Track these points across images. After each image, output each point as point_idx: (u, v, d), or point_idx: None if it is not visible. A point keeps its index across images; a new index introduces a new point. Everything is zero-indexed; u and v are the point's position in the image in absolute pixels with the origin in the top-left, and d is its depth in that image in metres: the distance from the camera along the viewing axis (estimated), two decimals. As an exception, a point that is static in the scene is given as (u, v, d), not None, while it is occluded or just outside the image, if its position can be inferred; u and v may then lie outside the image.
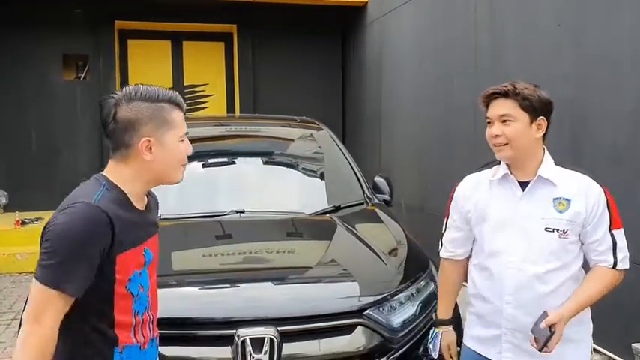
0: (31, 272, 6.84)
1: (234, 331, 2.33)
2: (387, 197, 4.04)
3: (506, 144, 2.02)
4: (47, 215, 8.27)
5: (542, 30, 5.07)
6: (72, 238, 1.57)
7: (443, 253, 2.32)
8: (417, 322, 2.64)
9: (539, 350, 1.97)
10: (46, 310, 1.56)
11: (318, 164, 4.37)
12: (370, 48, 9.20)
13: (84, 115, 9.46)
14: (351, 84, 10.16)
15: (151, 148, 1.70)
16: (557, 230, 1.99)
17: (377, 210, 3.73)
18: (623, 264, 2.04)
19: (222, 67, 10.35)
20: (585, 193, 2.01)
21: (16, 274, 7.16)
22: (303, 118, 4.86)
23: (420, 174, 7.38)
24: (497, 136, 2.04)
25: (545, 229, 2.00)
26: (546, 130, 2.09)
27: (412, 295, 2.70)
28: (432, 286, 2.82)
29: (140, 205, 1.78)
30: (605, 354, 4.36)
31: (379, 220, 3.56)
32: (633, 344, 3.71)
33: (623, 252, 2.04)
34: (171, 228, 3.37)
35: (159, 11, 9.27)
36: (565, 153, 4.67)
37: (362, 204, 3.79)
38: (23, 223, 7.97)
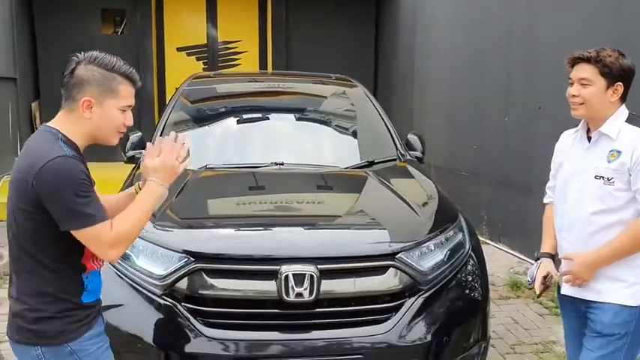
0: None
1: (278, 267, 2.56)
2: (419, 154, 4.18)
3: (582, 104, 2.29)
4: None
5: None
6: (73, 183, 1.83)
7: (545, 199, 2.64)
8: (444, 267, 2.81)
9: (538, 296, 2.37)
10: (106, 236, 1.87)
11: (352, 120, 4.53)
12: (404, 7, 9.19)
13: (121, 69, 9.74)
14: (384, 43, 10.18)
15: (91, 108, 1.92)
16: (603, 177, 2.25)
17: (409, 166, 3.89)
18: None
19: (255, 24, 10.44)
20: (635, 145, 2.22)
21: None
22: (338, 75, 4.98)
23: (450, 134, 7.48)
24: (574, 96, 2.31)
25: (595, 176, 2.27)
26: (625, 93, 2.30)
27: (441, 243, 2.87)
28: (460, 236, 3.02)
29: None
30: None
31: (411, 176, 3.72)
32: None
33: None
34: (217, 177, 3.62)
35: (195, -34, 9.44)
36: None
37: (395, 160, 3.94)
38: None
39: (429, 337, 2.67)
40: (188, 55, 10.26)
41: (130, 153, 4.05)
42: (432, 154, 7.25)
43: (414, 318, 2.67)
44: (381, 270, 2.69)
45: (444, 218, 3.07)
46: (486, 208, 6.25)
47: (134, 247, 2.79)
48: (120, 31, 9.88)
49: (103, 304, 2.71)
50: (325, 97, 4.65)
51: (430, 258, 2.81)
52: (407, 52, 9.03)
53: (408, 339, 2.64)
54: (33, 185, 1.83)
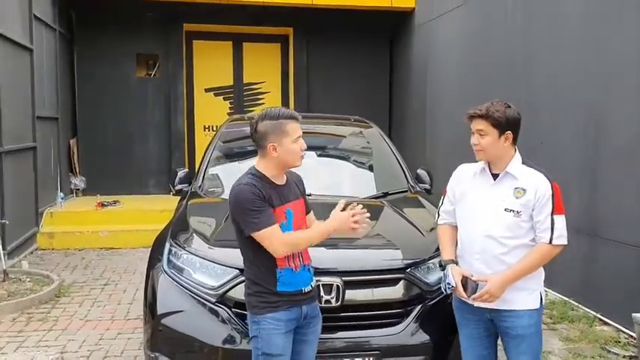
0: (112, 248, 7.89)
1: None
2: (427, 186, 4.80)
3: (482, 150, 2.81)
4: (122, 199, 9.34)
5: (569, 35, 5.71)
6: (244, 201, 2.62)
7: (440, 221, 3.08)
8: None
9: (468, 297, 2.78)
10: (276, 238, 2.58)
11: (369, 157, 5.14)
12: (417, 50, 9.85)
13: (154, 109, 10.43)
14: (398, 83, 10.82)
15: (275, 149, 2.65)
16: (513, 211, 2.74)
17: (418, 197, 4.47)
18: (559, 241, 2.71)
19: (278, 66, 11.16)
20: (537, 186, 2.72)
21: (98, 249, 8.09)
22: (356, 117, 5.62)
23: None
24: (475, 144, 2.80)
25: (505, 209, 2.75)
26: (515, 137, 2.81)
27: (444, 260, 3.46)
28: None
29: (280, 181, 2.75)
30: (612, 324, 5.02)
31: (420, 205, 4.30)
32: (633, 314, 4.37)
33: (559, 232, 2.71)
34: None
35: (222, 15, 10.14)
36: (585, 146, 5.33)
37: (406, 191, 4.54)
38: (103, 205, 8.96)
39: (433, 338, 3.21)
40: (215, 95, 10.96)
41: (178, 187, 4.69)
42: (444, 186, 7.81)
43: (421, 322, 3.22)
44: (394, 282, 3.25)
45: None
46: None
47: (191, 263, 3.39)
48: (153, 73, 10.58)
49: (165, 311, 3.34)
50: (346, 137, 5.27)
51: (434, 273, 3.36)
52: (419, 92, 9.65)
53: (417, 338, 3.19)
54: (229, 204, 2.69)
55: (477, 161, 2.95)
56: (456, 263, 2.91)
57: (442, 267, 2.96)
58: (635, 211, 4.77)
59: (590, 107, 5.39)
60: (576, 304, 5.40)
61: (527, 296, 2.80)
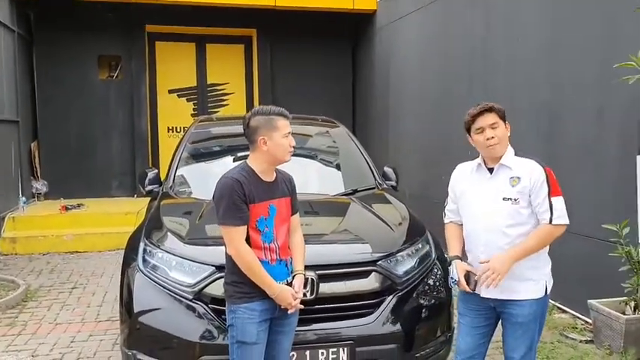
0: (77, 251, 7.81)
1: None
2: (393, 183, 4.96)
3: (498, 143, 2.91)
4: (86, 202, 9.25)
5: (526, 42, 5.96)
6: (223, 193, 2.73)
7: (446, 220, 3.21)
8: (415, 272, 3.51)
9: (471, 290, 2.93)
10: (233, 238, 2.72)
11: (337, 156, 5.26)
12: (379, 52, 10.03)
13: (117, 111, 10.34)
14: (361, 84, 11.00)
15: (265, 142, 2.77)
16: (511, 199, 2.88)
17: (385, 193, 4.61)
18: (559, 220, 2.85)
19: (242, 67, 11.21)
20: (530, 172, 2.88)
21: (64, 253, 8.00)
22: (323, 117, 5.75)
23: (422, 166, 8.26)
24: (492, 137, 2.89)
25: (503, 198, 2.90)
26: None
27: (412, 253, 3.59)
28: (427, 248, 3.73)
29: (268, 178, 2.86)
30: (569, 312, 5.27)
31: (387, 201, 4.43)
32: (589, 301, 4.61)
33: (558, 212, 2.84)
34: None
35: (184, 16, 10.16)
36: (542, 145, 5.58)
37: (373, 188, 4.68)
38: (67, 208, 8.85)
39: (404, 327, 3.34)
40: (179, 96, 10.94)
41: (148, 187, 4.72)
42: (407, 184, 8.01)
43: (392, 311, 3.34)
44: (365, 274, 3.37)
45: (414, 233, 3.78)
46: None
47: (166, 262, 3.45)
48: (115, 75, 10.48)
49: (141, 309, 3.38)
50: (315, 136, 5.38)
51: (404, 264, 3.51)
52: (382, 93, 9.83)
53: (388, 328, 3.31)
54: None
55: (473, 159, 3.10)
56: (461, 259, 3.04)
57: (449, 263, 3.09)
58: (587, 204, 5.02)
59: (545, 107, 5.64)
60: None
61: (533, 286, 2.93)
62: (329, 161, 5.20)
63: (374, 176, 4.85)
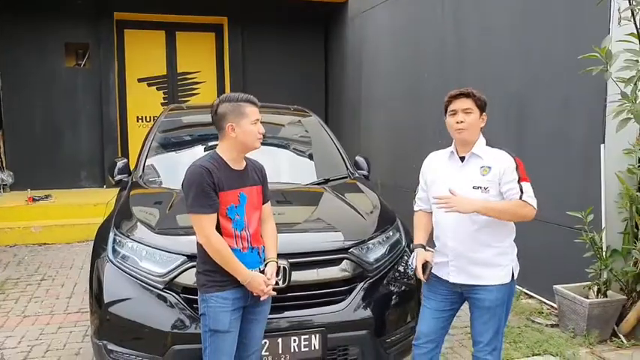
0: (46, 243, 7.68)
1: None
2: (365, 173, 5.00)
3: (466, 128, 2.95)
4: (54, 193, 9.09)
5: (496, 34, 6.04)
6: (191, 181, 2.72)
7: (415, 207, 3.26)
8: (385, 259, 3.57)
9: (425, 280, 3.03)
10: (203, 226, 2.70)
11: (309, 145, 5.26)
12: (351, 41, 10.03)
13: (84, 100, 10.14)
14: (334, 73, 11.00)
15: (234, 129, 2.77)
16: (481, 187, 2.92)
17: (358, 183, 4.64)
18: (529, 200, 2.88)
19: (213, 56, 11.09)
20: (500, 162, 2.93)
21: (32, 245, 7.88)
22: (296, 106, 5.73)
23: (393, 155, 8.32)
24: (462, 122, 2.94)
25: (473, 187, 2.94)
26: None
27: (382, 240, 3.65)
28: (397, 235, 3.78)
29: (238, 166, 2.85)
30: (536, 297, 5.40)
31: (359, 190, 4.46)
32: (554, 286, 4.72)
33: (528, 194, 2.89)
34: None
35: (154, 3, 10.01)
36: (511, 135, 5.68)
37: (346, 177, 4.71)
38: (34, 199, 8.68)
39: (375, 313, 3.39)
40: (149, 85, 10.79)
41: (118, 177, 4.68)
42: (379, 173, 8.07)
43: (363, 298, 3.39)
44: (337, 262, 3.41)
45: (384, 221, 3.83)
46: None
47: (137, 252, 3.43)
48: (83, 63, 10.29)
49: (112, 299, 3.37)
50: (288, 126, 5.37)
51: (374, 252, 3.55)
52: (354, 82, 9.85)
53: (359, 314, 3.35)
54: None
55: (444, 147, 3.14)
56: (424, 248, 3.09)
57: (411, 251, 3.14)
58: (554, 192, 5.13)
59: (514, 99, 5.73)
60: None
61: (499, 271, 2.98)
62: (301, 151, 5.21)
63: (346, 166, 4.88)
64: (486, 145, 3.03)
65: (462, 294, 3.07)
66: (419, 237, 3.15)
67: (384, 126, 8.71)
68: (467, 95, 2.98)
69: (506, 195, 2.92)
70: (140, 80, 10.74)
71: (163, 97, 10.83)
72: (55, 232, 8.06)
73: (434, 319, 3.12)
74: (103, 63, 10.17)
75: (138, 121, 10.69)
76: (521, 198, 2.89)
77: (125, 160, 4.87)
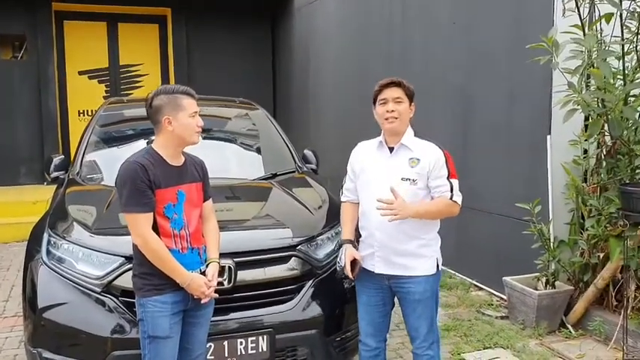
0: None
1: (201, 262, 3.11)
2: (314, 166, 4.90)
3: (397, 118, 2.89)
4: (-10, 189, 8.65)
5: (441, 26, 6.03)
6: (125, 178, 2.57)
7: (342, 198, 3.18)
8: (335, 255, 3.39)
9: (353, 279, 2.97)
10: (138, 226, 2.55)
11: (256, 139, 5.12)
12: (298, 33, 9.92)
13: (22, 94, 9.73)
14: (281, 65, 10.87)
15: (170, 122, 2.61)
16: (409, 180, 2.88)
17: (306, 177, 4.53)
18: (457, 199, 2.90)
19: (156, 48, 10.81)
20: (430, 155, 2.89)
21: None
22: (242, 99, 5.57)
23: (341, 147, 8.20)
24: (393, 111, 2.89)
25: (401, 178, 2.89)
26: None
27: (331, 236, 3.54)
28: (347, 230, 3.70)
29: (175, 162, 2.69)
30: (485, 289, 5.43)
31: (307, 184, 4.36)
32: (504, 278, 4.75)
33: (456, 193, 2.90)
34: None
35: (95, -7, 9.63)
36: (457, 127, 5.68)
37: (293, 172, 4.58)
38: (-32, 197, 8.26)
39: (325, 311, 3.29)
40: (90, 78, 10.44)
41: (54, 174, 4.43)
42: (328, 167, 7.97)
43: (312, 296, 3.29)
44: (284, 260, 3.29)
45: (333, 216, 3.70)
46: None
47: (72, 253, 3.23)
48: (20, 55, 9.88)
49: (46, 304, 3.17)
50: (232, 119, 5.20)
51: (323, 248, 3.46)
52: (302, 74, 9.75)
53: (308, 313, 3.25)
54: None
55: (373, 137, 3.07)
56: (353, 243, 3.01)
57: (339, 246, 3.05)
58: (501, 184, 5.17)
59: (459, 91, 5.74)
60: (453, 272, 5.77)
61: (424, 263, 2.94)
62: (247, 144, 5.06)
63: (294, 159, 4.76)
64: (415, 136, 2.99)
65: (390, 288, 3.02)
66: (346, 231, 3.08)
67: (333, 118, 8.64)
68: (397, 84, 2.93)
69: (435, 191, 2.90)
70: (81, 73, 10.38)
71: (105, 90, 10.49)
72: (-10, 232, 7.67)
73: (368, 314, 3.07)
74: (41, 55, 9.79)
75: (79, 115, 10.31)
76: (451, 198, 2.89)
77: (62, 156, 4.62)
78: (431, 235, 2.99)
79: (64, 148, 9.84)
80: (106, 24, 10.45)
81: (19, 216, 7.90)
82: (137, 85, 10.72)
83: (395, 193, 2.81)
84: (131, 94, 10.55)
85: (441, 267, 3.03)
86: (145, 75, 10.78)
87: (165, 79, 10.77)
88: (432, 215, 2.92)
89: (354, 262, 2.95)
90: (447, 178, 2.89)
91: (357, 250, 3.03)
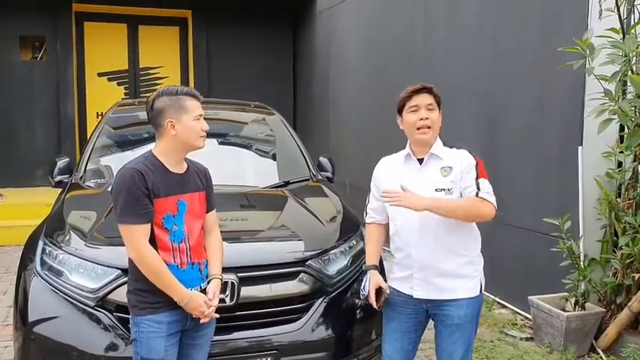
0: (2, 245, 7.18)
1: (202, 276, 2.88)
2: (329, 174, 4.65)
3: (429, 127, 2.66)
4: (7, 192, 8.57)
5: (466, 29, 5.75)
6: (120, 187, 2.37)
7: (367, 220, 2.93)
8: (348, 271, 3.23)
9: (378, 308, 2.72)
10: (133, 238, 2.35)
11: (270, 145, 4.90)
12: (319, 37, 9.72)
13: (41, 95, 9.67)
14: (302, 69, 10.67)
15: (174, 126, 2.42)
16: (444, 189, 2.64)
17: (321, 185, 4.30)
18: (485, 196, 2.62)
19: (176, 50, 10.69)
20: (460, 161, 2.67)
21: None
22: (257, 103, 5.35)
23: (363, 154, 8.00)
24: (426, 118, 2.66)
25: (436, 189, 2.65)
26: None
27: (345, 250, 3.30)
28: (361, 244, 3.41)
29: (177, 169, 2.50)
30: (509, 307, 5.13)
31: (322, 194, 4.12)
32: (529, 297, 4.45)
33: (485, 190, 2.64)
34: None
35: (115, -5, 9.53)
36: (482, 135, 5.40)
37: (308, 180, 4.34)
38: (-15, 199, 8.21)
39: (335, 332, 3.05)
40: (109, 80, 10.35)
41: (58, 178, 4.26)
42: (348, 173, 7.77)
43: (322, 316, 3.04)
44: (293, 275, 3.05)
45: (347, 229, 3.49)
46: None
47: (67, 264, 3.04)
48: (39, 56, 9.83)
49: (37, 318, 2.99)
50: (246, 124, 4.99)
51: (336, 264, 3.21)
52: (323, 79, 9.54)
53: (317, 334, 3.01)
54: None
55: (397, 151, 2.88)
56: (378, 269, 2.78)
57: (365, 271, 2.81)
58: (529, 197, 4.86)
59: (484, 98, 5.46)
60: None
61: (467, 283, 2.70)
62: (260, 150, 4.83)
63: (308, 167, 4.52)
64: (444, 145, 2.76)
65: (427, 311, 2.76)
66: (371, 255, 2.84)
67: (353, 123, 8.40)
68: (429, 90, 2.71)
69: (464, 193, 2.67)
70: (100, 75, 10.30)
71: (125, 93, 10.41)
72: (5, 233, 7.60)
73: (399, 341, 2.80)
74: (60, 56, 9.71)
75: (97, 117, 10.16)
76: (477, 195, 2.63)
77: (67, 159, 4.46)
78: (474, 252, 2.76)
79: (81, 151, 9.73)
80: (126, 26, 10.37)
81: (32, 218, 7.72)
82: (157, 87, 10.47)
83: (405, 188, 2.61)
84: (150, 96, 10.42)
85: (483, 288, 2.77)
86: (164, 77, 10.67)
87: (184, 82, 10.64)
88: (453, 209, 2.61)
89: (379, 291, 2.70)
90: (476, 179, 2.65)
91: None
